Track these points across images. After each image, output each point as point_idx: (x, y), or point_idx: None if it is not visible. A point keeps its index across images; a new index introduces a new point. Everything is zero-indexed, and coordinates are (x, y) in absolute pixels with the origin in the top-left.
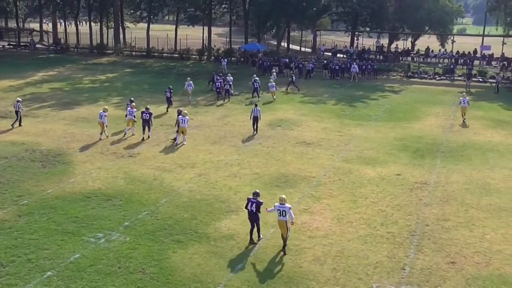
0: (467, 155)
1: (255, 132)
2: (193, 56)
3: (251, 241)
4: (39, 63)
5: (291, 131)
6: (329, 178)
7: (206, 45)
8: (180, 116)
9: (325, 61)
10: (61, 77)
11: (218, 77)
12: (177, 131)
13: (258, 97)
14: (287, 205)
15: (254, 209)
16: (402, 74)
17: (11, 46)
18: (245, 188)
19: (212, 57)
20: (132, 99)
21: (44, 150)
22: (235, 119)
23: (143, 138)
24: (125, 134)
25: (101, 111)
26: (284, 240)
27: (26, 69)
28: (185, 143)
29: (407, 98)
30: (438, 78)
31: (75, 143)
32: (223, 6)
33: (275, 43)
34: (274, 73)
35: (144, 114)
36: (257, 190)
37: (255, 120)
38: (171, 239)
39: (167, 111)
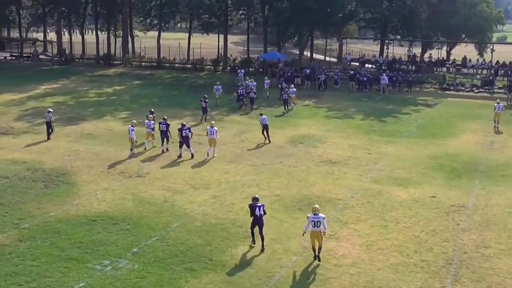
0: (509, 175)
1: (268, 141)
2: (208, 67)
3: (254, 241)
4: (42, 75)
5: (314, 149)
6: (357, 200)
7: (222, 54)
8: (208, 128)
9: (352, 72)
10: (65, 90)
11: (239, 85)
12: (186, 146)
13: (286, 109)
14: (321, 214)
15: (262, 213)
16: (437, 86)
17: (13, 57)
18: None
19: (228, 68)
20: (152, 110)
21: (47, 169)
22: (253, 135)
23: (162, 150)
24: (145, 148)
25: (130, 125)
26: (319, 249)
27: (29, 82)
28: (215, 155)
29: (442, 113)
30: (476, 90)
31: (79, 161)
32: (240, 12)
33: (297, 52)
34: (293, 87)
35: (161, 125)
36: (256, 196)
37: (266, 128)
38: (183, 267)
39: (201, 121)
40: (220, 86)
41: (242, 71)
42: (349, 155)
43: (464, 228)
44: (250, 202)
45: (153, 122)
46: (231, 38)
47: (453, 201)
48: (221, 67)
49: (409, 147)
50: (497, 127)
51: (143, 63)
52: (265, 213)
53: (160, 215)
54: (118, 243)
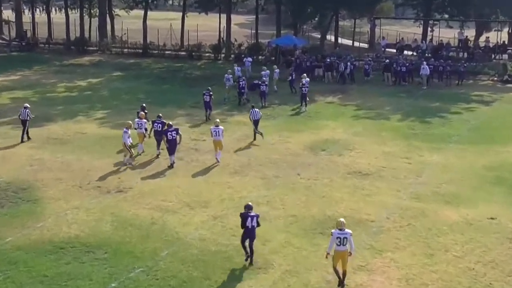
0: None
1: (254, 138)
2: (206, 55)
3: (249, 255)
4: None
5: (340, 158)
6: (394, 222)
7: (224, 39)
8: (212, 128)
9: (387, 61)
10: (27, 83)
11: (239, 76)
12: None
13: (305, 105)
14: (348, 230)
15: (255, 224)
16: (495, 78)
17: None
18: (278, 235)
19: (232, 56)
20: (144, 105)
21: (3, 182)
22: (263, 141)
23: (157, 154)
24: (138, 153)
25: (124, 128)
26: (343, 274)
27: None
28: (219, 162)
29: (502, 111)
30: None
31: (44, 173)
32: None
33: (319, 36)
34: (305, 76)
35: (155, 124)
36: (250, 203)
37: (257, 124)
38: None
39: (206, 119)
40: (231, 76)
41: (249, 59)
42: (384, 165)
43: None
44: (266, 230)
45: (145, 121)
46: (235, 18)
47: None
48: (223, 55)
49: (460, 156)
50: None
51: (126, 50)
52: (258, 225)
53: (147, 241)
54: (92, 276)
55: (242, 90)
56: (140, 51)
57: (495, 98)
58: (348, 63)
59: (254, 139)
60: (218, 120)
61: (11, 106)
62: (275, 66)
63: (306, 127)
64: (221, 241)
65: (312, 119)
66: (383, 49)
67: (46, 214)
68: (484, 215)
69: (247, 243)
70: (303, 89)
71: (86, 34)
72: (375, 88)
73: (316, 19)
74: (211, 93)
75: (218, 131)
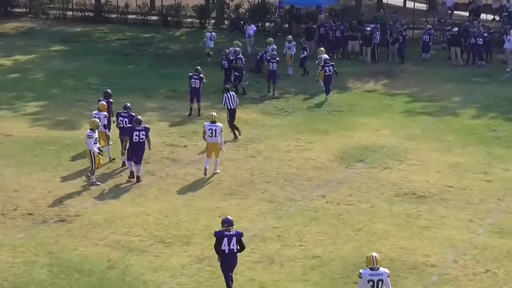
0: None
1: (235, 135)
2: (188, 20)
3: None
4: None
5: (386, 172)
6: (465, 268)
7: None
8: (207, 124)
9: (455, 30)
10: None
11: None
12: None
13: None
14: (384, 269)
15: (235, 248)
16: None
17: None
18: (294, 285)
19: (227, 22)
20: (109, 91)
21: None
22: (271, 146)
23: (122, 163)
24: (110, 159)
25: (89, 129)
26: None
27: None
28: (218, 171)
29: None
30: None
31: None
32: None
33: None
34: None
35: (120, 118)
36: (229, 217)
37: (231, 115)
38: None
39: (198, 114)
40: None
41: (253, 27)
42: (451, 183)
43: None
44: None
45: (105, 113)
46: None
47: None
48: (212, 21)
49: None
50: None
51: (69, 13)
52: (242, 248)
53: None
54: None
55: (238, 73)
56: (91, 14)
57: None
58: (394, 33)
59: (234, 134)
60: (215, 113)
61: None
62: (290, 37)
63: (335, 127)
64: None
65: (345, 115)
66: (449, 11)
67: None
68: None
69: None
70: (327, 68)
71: None
72: (437, 69)
73: None
74: (201, 75)
75: (214, 130)
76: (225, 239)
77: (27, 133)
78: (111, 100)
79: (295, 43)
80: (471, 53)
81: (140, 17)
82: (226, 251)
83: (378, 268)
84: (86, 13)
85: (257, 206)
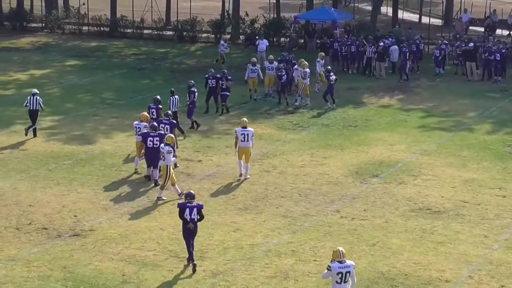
0: None
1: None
2: (204, 35)
3: (192, 262)
4: None
5: (400, 187)
6: (480, 283)
7: (229, 12)
8: (239, 129)
9: (471, 44)
10: None
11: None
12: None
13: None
14: (350, 262)
15: (196, 218)
16: None
17: None
18: None
19: (242, 37)
20: (158, 97)
21: None
22: (286, 161)
23: (145, 176)
24: (136, 171)
25: (139, 123)
26: None
27: None
28: (248, 176)
29: None
30: None
31: None
32: None
33: (369, 8)
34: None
35: (162, 125)
36: (191, 191)
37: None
38: None
39: (222, 111)
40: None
41: (265, 42)
42: (466, 199)
43: None
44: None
45: (145, 124)
46: None
47: None
48: (228, 36)
49: None
50: None
51: (85, 28)
52: (201, 218)
53: None
54: None
55: (227, 93)
56: (107, 29)
57: None
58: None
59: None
60: (245, 119)
61: None
62: (322, 54)
63: (351, 142)
64: None
65: (360, 130)
66: (464, 27)
67: None
68: None
69: (191, 244)
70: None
71: (27, 5)
72: (452, 84)
73: None
74: (219, 75)
75: (247, 134)
76: (187, 209)
77: (42, 147)
78: (160, 106)
79: (323, 61)
80: (486, 68)
81: (156, 32)
82: (188, 219)
83: (345, 261)
84: (101, 28)
85: (271, 221)
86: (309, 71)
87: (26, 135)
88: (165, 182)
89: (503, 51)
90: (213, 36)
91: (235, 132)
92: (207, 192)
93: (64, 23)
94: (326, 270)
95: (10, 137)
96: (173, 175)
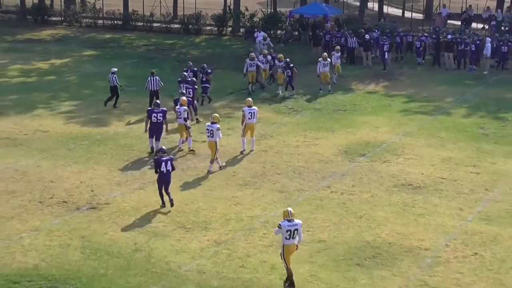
0: None
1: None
2: (207, 28)
3: (164, 203)
4: None
5: (385, 165)
6: (456, 251)
7: (231, 7)
8: (246, 108)
9: (450, 37)
10: None
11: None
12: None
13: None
14: (298, 221)
15: (170, 168)
16: None
17: None
18: (301, 267)
19: (241, 30)
20: (194, 79)
21: None
22: (282, 142)
23: (151, 147)
24: (179, 149)
25: (210, 123)
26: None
27: None
28: (253, 149)
29: None
30: None
31: None
32: None
33: (357, 3)
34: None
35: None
36: (163, 147)
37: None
38: None
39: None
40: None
41: (262, 33)
42: (443, 175)
43: None
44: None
45: (185, 107)
46: None
47: None
48: (229, 29)
49: None
50: None
51: (100, 21)
52: (173, 168)
53: (128, 273)
54: None
55: (208, 85)
56: (120, 22)
57: None
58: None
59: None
60: (250, 99)
61: None
62: (338, 48)
63: (340, 125)
64: (226, 274)
65: (348, 114)
66: (444, 21)
67: None
68: None
69: (163, 189)
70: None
71: (47, 1)
72: (432, 73)
73: None
74: (196, 69)
75: (254, 113)
76: (163, 163)
77: (61, 129)
78: (184, 98)
79: (338, 54)
80: (463, 58)
81: (164, 25)
82: (164, 171)
83: (294, 220)
84: (115, 22)
85: (269, 196)
86: (329, 60)
87: (105, 106)
88: (214, 156)
89: (478, 42)
90: (216, 29)
91: (243, 111)
92: (213, 170)
93: (81, 17)
94: (277, 228)
95: (33, 120)
96: (183, 131)
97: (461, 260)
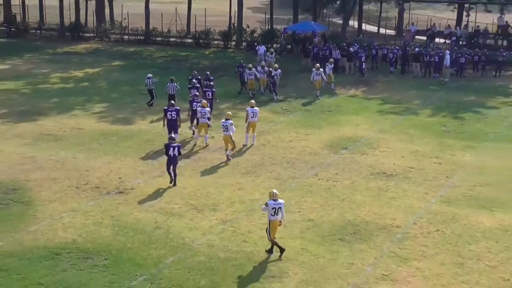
0: None
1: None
2: (215, 42)
3: (173, 179)
4: None
5: (363, 157)
6: (421, 228)
7: (235, 25)
8: (249, 109)
9: (417, 50)
10: (17, 73)
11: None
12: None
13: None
14: (281, 200)
15: (177, 153)
16: None
17: None
18: (293, 242)
19: (244, 43)
20: (211, 83)
21: None
22: (278, 138)
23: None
24: (206, 144)
25: (224, 120)
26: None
27: None
28: (253, 143)
29: None
30: None
31: (37, 172)
32: None
33: (340, 21)
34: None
35: (169, 112)
36: (173, 135)
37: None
38: None
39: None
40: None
41: (263, 47)
42: (412, 165)
43: None
44: (281, 236)
45: (207, 109)
46: (248, 1)
47: None
48: (234, 43)
49: (497, 156)
50: None
51: (126, 37)
52: (180, 153)
53: (150, 247)
54: (91, 285)
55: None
56: (142, 38)
57: None
58: (362, 53)
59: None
60: (253, 101)
61: (0, 98)
62: (331, 60)
63: (326, 123)
64: (231, 247)
65: (333, 114)
66: (412, 35)
67: (39, 217)
68: None
69: (171, 169)
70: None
71: (82, 19)
72: (402, 80)
73: (338, 2)
74: (200, 77)
75: (256, 112)
76: (171, 148)
77: (94, 127)
78: (214, 90)
79: (332, 65)
80: (428, 67)
81: (179, 40)
82: (172, 155)
83: (278, 200)
84: (138, 37)
85: (266, 182)
86: (321, 70)
87: (149, 106)
88: (231, 147)
89: (440, 54)
90: (222, 43)
91: (247, 111)
92: (219, 160)
93: (110, 33)
94: (264, 206)
95: (71, 119)
96: (205, 129)
97: (426, 235)
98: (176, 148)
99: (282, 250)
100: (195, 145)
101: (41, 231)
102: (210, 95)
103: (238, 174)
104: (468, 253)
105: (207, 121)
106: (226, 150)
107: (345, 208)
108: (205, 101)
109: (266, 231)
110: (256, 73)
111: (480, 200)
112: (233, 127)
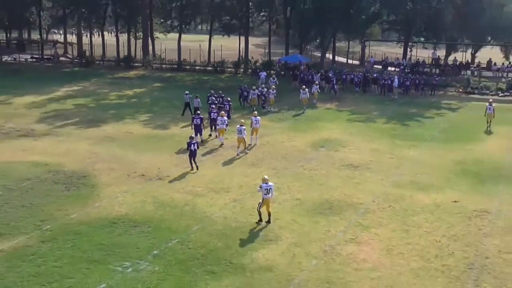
0: None
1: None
2: (228, 69)
3: (192, 168)
4: (62, 77)
5: (336, 153)
6: (378, 205)
7: (243, 56)
8: (254, 117)
9: (375, 75)
10: (86, 92)
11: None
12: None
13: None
14: (271, 183)
15: (196, 148)
16: (461, 90)
17: (34, 59)
18: (285, 215)
19: (249, 70)
20: (228, 98)
21: (68, 171)
22: (274, 139)
23: (202, 140)
24: (222, 145)
25: (239, 125)
26: (269, 214)
27: (49, 84)
28: (256, 142)
29: (465, 117)
30: (502, 94)
31: (100, 164)
32: (261, 14)
33: (319, 54)
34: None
35: (196, 119)
36: (192, 135)
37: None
38: (203, 270)
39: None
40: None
41: (264, 73)
42: (371, 159)
43: (487, 233)
44: (276, 211)
45: (226, 118)
46: (252, 40)
47: (476, 206)
48: (242, 70)
49: (432, 152)
50: (489, 127)
51: (164, 65)
52: (198, 147)
53: (181, 218)
54: (139, 245)
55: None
56: (175, 66)
57: (460, 106)
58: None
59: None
60: (256, 112)
61: (74, 111)
62: (316, 83)
63: (309, 128)
64: (240, 219)
65: (314, 122)
66: (372, 65)
67: (101, 196)
68: (450, 199)
69: (192, 160)
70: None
71: (133, 53)
72: (364, 97)
73: (318, 40)
74: (216, 95)
75: (259, 120)
76: (192, 144)
77: (141, 131)
78: (230, 103)
79: (317, 86)
80: (383, 88)
81: (202, 68)
82: (192, 149)
83: (268, 183)
84: (173, 66)
85: (266, 172)
86: (307, 90)
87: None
88: (244, 146)
89: (392, 78)
90: (233, 70)
91: (251, 119)
92: (231, 156)
93: (153, 63)
94: (258, 188)
95: (124, 126)
96: (223, 132)
97: (381, 210)
98: (196, 144)
99: (260, 219)
100: (222, 144)
101: (103, 206)
102: (227, 107)
103: (245, 166)
104: (412, 223)
105: (225, 126)
106: (238, 147)
107: (323, 190)
108: (223, 112)
109: (258, 205)
110: (258, 92)
111: (420, 185)
112: (245, 131)
